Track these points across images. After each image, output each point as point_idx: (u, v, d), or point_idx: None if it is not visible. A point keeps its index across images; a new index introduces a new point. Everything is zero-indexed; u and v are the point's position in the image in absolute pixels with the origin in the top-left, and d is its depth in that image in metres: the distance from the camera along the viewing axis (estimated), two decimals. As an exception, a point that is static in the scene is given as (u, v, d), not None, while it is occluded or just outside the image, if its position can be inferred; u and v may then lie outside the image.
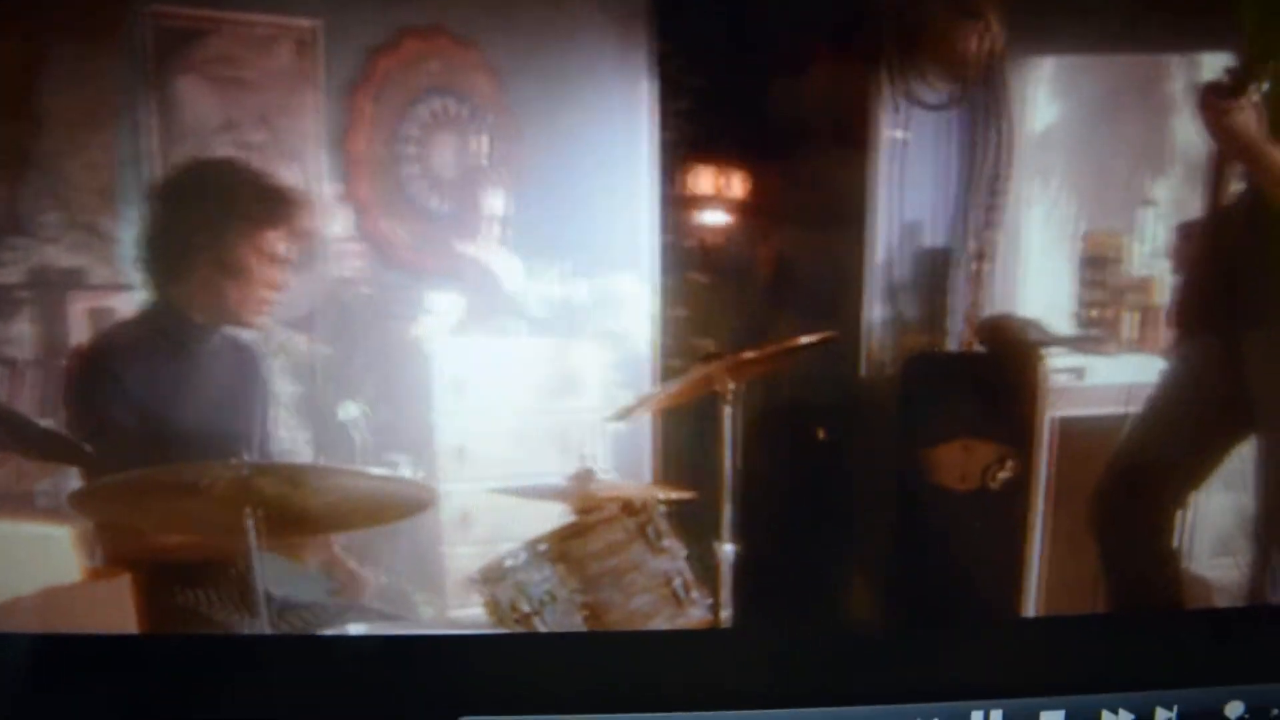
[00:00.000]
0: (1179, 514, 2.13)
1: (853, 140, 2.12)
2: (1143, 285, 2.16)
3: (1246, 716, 1.70)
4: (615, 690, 1.74)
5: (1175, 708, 1.69)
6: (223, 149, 2.18)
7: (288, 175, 2.18)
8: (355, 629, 2.09)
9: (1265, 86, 1.88)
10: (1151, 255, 2.14)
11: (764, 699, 1.69)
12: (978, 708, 1.68)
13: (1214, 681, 1.72)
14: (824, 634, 1.88)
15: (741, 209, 2.13)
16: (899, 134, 2.11)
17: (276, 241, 2.07)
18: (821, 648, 1.81)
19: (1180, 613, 2.17)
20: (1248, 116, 1.87)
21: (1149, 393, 2.08)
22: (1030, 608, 2.17)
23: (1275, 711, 1.70)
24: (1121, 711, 1.69)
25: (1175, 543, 2.14)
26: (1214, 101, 1.90)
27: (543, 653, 2.01)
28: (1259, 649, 1.83)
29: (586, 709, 1.70)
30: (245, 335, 2.16)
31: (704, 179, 2.13)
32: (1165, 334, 2.13)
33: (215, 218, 2.07)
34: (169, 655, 1.85)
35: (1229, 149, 1.93)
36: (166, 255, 2.07)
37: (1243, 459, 2.06)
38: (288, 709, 1.74)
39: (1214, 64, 2.04)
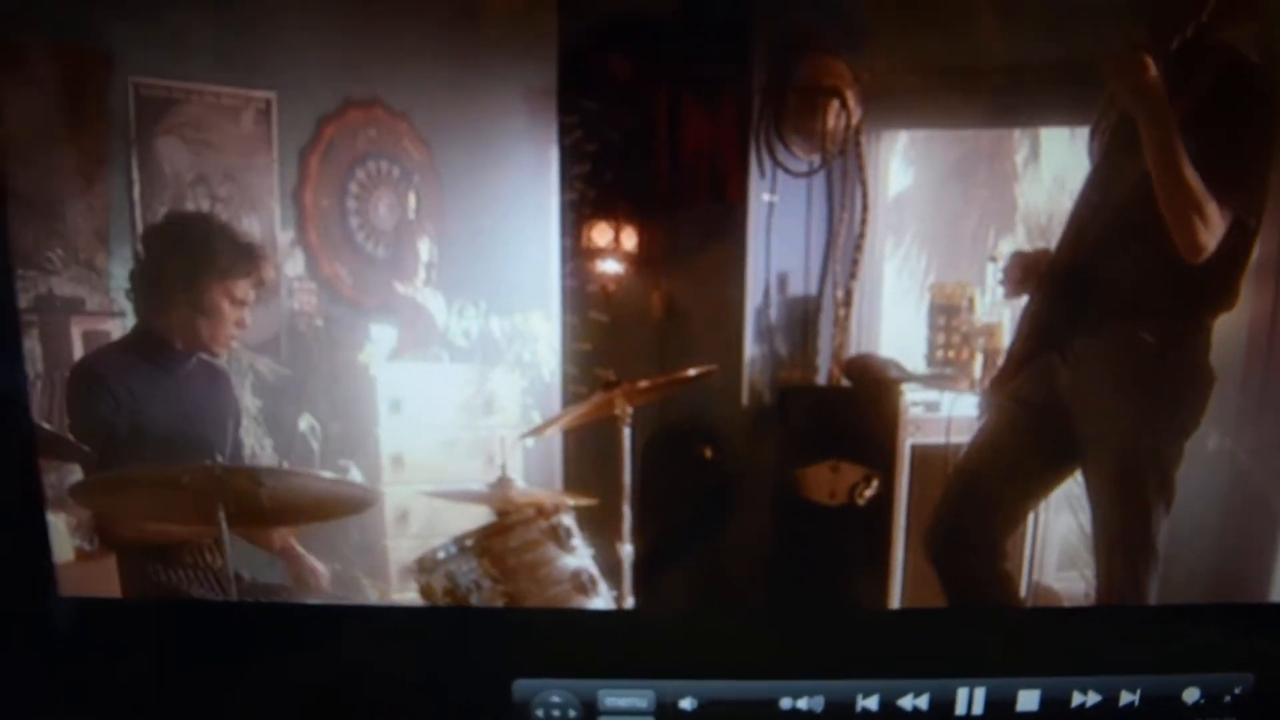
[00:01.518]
0: (1009, 540, 2.27)
1: (728, 201, 2.33)
2: (990, 330, 2.36)
3: (1202, 701, 1.74)
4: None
5: (1139, 691, 1.73)
6: (196, 202, 2.46)
7: (250, 225, 2.46)
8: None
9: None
10: (996, 304, 2.33)
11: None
12: (964, 685, 1.72)
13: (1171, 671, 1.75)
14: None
15: (635, 259, 2.36)
16: (767, 196, 2.34)
17: (243, 288, 2.29)
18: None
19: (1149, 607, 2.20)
20: (1157, 76, 1.83)
21: (977, 428, 2.24)
22: (895, 602, 2.40)
23: (1228, 698, 1.74)
24: (1090, 692, 1.72)
25: (1007, 566, 2.26)
26: (1132, 58, 1.85)
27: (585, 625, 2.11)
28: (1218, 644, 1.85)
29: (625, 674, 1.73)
30: (219, 359, 2.38)
31: (602, 233, 2.35)
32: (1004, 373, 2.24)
33: (193, 266, 2.28)
34: (236, 622, 1.94)
35: (1139, 106, 1.86)
36: (152, 293, 2.30)
37: (1080, 484, 2.18)
38: (355, 673, 1.78)
39: (1056, 135, 2.23)
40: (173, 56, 2.41)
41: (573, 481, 2.55)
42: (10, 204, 2.30)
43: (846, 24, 2.23)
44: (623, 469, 2.29)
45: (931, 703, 1.73)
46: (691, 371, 2.30)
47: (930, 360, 2.42)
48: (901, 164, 2.39)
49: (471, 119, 2.46)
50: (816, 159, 2.35)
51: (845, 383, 2.42)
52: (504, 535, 2.35)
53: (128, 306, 2.37)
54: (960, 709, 1.74)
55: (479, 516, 2.39)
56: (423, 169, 2.63)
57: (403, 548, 2.58)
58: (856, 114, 2.27)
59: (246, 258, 2.31)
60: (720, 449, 2.33)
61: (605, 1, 2.23)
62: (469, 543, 2.33)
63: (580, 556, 2.37)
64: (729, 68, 2.26)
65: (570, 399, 2.50)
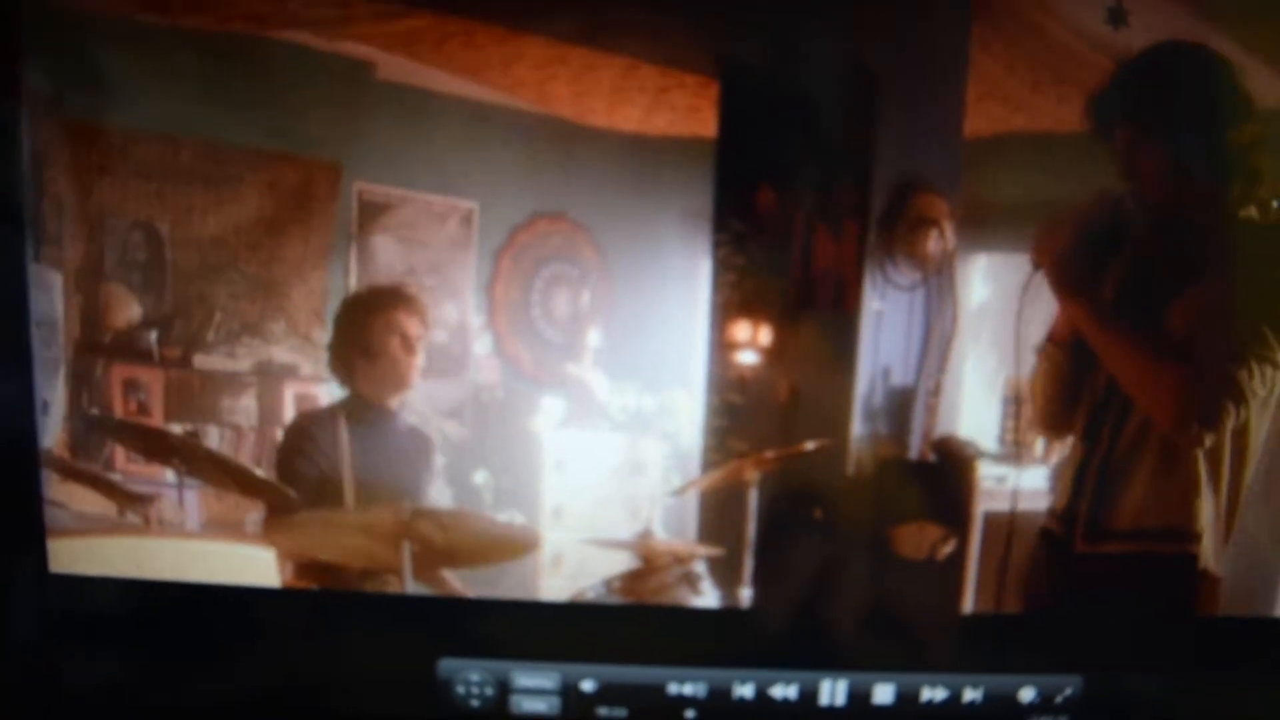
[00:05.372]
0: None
1: (846, 309, 2.72)
2: (1048, 418, 2.79)
3: (1037, 700, 1.90)
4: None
5: (981, 689, 1.90)
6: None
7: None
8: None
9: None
10: (1053, 398, 2.75)
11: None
12: (827, 677, 1.89)
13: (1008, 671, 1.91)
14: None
15: (768, 352, 2.72)
16: (877, 305, 2.72)
17: (408, 323, 2.61)
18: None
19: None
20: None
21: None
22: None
23: (1060, 698, 1.90)
24: (939, 688, 1.90)
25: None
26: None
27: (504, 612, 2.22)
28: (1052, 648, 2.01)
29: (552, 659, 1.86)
30: (417, 420, 2.72)
31: (741, 330, 2.73)
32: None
33: (355, 309, 2.65)
34: (164, 606, 1.95)
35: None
36: (338, 353, 2.65)
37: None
38: (281, 658, 1.88)
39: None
40: (394, 169, 2.81)
41: (705, 534, 2.84)
42: (242, 283, 2.71)
43: (946, 169, 2.66)
44: (747, 525, 2.59)
45: (800, 692, 1.92)
46: (809, 445, 2.62)
47: (1000, 441, 2.81)
48: (982, 281, 2.82)
49: (640, 233, 2.82)
50: (919, 276, 2.73)
51: (932, 458, 2.78)
52: (645, 579, 2.66)
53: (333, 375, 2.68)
54: (824, 699, 1.91)
55: (623, 562, 2.71)
56: (597, 271, 3.03)
57: (556, 587, 2.84)
58: (952, 241, 2.67)
59: (397, 296, 2.64)
60: (829, 510, 2.61)
61: (754, 145, 2.64)
62: (615, 585, 2.64)
63: (708, 598, 2.68)
64: (853, 201, 2.66)
65: (707, 466, 2.81)
